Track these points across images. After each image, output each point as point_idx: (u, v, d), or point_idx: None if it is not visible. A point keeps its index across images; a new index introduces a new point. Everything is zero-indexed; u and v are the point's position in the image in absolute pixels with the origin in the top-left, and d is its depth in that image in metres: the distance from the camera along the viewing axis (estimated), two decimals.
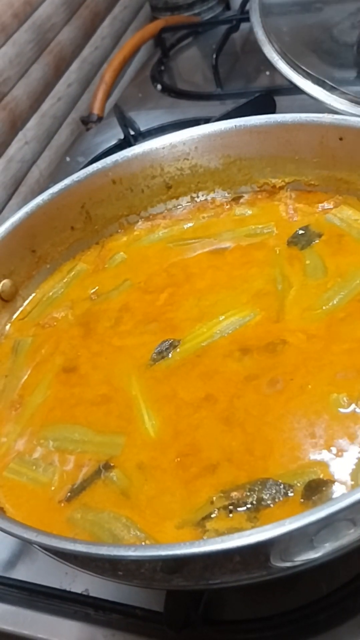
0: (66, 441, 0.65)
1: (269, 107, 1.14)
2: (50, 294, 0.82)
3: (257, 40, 1.10)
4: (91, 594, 0.69)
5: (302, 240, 0.77)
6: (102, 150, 1.23)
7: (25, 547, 0.74)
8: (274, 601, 0.64)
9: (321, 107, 1.02)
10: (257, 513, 0.55)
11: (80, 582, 0.70)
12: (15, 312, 0.81)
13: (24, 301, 0.82)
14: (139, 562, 0.50)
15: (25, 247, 0.81)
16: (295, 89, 1.06)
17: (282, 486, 0.55)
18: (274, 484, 0.56)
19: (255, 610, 0.64)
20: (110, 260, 0.84)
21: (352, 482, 0.55)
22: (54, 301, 0.81)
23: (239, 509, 0.55)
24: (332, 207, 0.80)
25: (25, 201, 1.07)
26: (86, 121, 1.40)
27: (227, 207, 0.86)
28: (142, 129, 1.23)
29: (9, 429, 0.69)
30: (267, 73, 1.32)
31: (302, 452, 0.58)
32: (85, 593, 0.70)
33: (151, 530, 0.56)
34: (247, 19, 1.19)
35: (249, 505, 0.55)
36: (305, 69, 1.06)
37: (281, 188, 0.84)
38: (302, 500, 0.55)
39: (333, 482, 0.55)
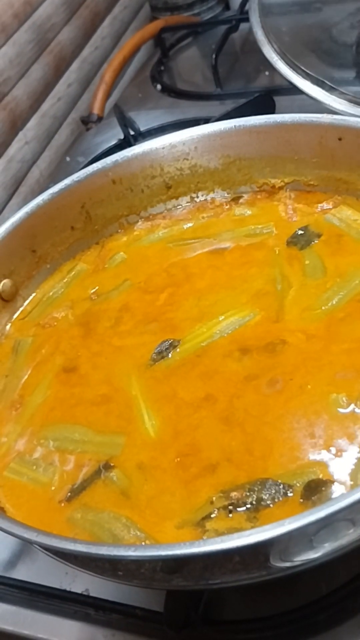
0: (66, 441, 0.65)
1: (269, 107, 1.14)
2: (51, 293, 0.82)
3: (257, 40, 1.10)
4: (91, 594, 0.70)
5: (301, 240, 0.77)
6: (102, 150, 1.23)
7: (25, 547, 0.74)
8: (273, 601, 0.64)
9: (320, 108, 1.02)
10: (256, 513, 0.55)
11: (80, 582, 0.70)
12: (15, 312, 0.81)
13: (24, 301, 0.82)
14: (139, 562, 0.50)
15: (25, 247, 0.81)
16: (294, 89, 1.06)
17: (281, 486, 0.55)
18: (274, 484, 0.56)
19: (255, 610, 0.64)
20: (110, 260, 0.84)
21: (352, 482, 0.55)
22: (54, 301, 0.81)
23: (238, 509, 0.55)
24: (331, 207, 0.80)
25: (26, 201, 1.07)
26: (86, 121, 1.40)
27: (227, 207, 0.86)
28: (142, 129, 1.23)
29: (9, 428, 0.69)
30: (267, 73, 1.31)
31: (302, 452, 0.58)
32: (85, 593, 0.70)
33: (151, 530, 0.56)
34: (247, 19, 1.19)
35: (248, 505, 0.55)
36: (305, 69, 1.06)
37: (280, 188, 0.84)
38: (301, 500, 0.55)
39: (332, 482, 0.55)
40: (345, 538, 0.50)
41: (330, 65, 1.11)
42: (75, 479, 0.62)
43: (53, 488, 0.62)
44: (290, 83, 1.06)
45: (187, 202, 0.88)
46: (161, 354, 0.69)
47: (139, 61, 1.58)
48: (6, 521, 0.53)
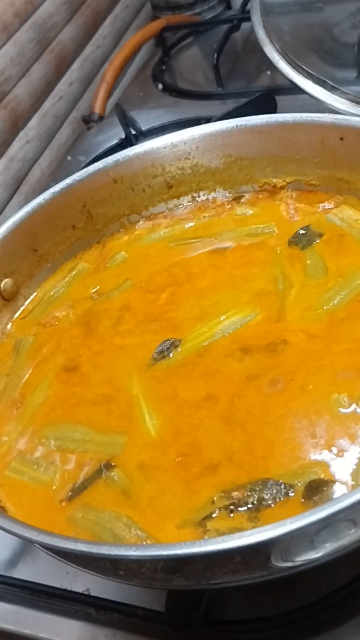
0: (67, 440, 0.65)
1: (270, 107, 1.14)
2: (52, 293, 0.82)
3: (258, 39, 1.10)
4: (92, 594, 0.70)
5: (302, 240, 0.77)
6: (103, 150, 1.23)
7: (26, 546, 0.74)
8: (274, 601, 0.64)
9: (322, 107, 1.02)
10: (258, 513, 0.55)
11: (81, 582, 0.70)
12: (16, 311, 0.81)
13: (25, 300, 0.82)
14: (140, 562, 0.50)
15: (26, 246, 0.81)
16: (296, 89, 1.06)
17: (282, 486, 0.55)
18: (275, 484, 0.56)
19: (256, 610, 0.64)
20: (112, 259, 0.84)
21: (353, 482, 0.55)
22: (55, 300, 0.81)
23: (239, 508, 0.55)
24: (332, 207, 0.80)
25: (27, 200, 1.07)
26: (87, 120, 1.40)
27: (228, 206, 0.86)
28: (144, 128, 1.23)
29: (10, 428, 0.69)
30: (268, 73, 1.32)
31: (303, 452, 0.58)
32: (86, 592, 0.70)
33: (152, 530, 0.56)
34: (248, 19, 1.19)
35: (249, 505, 0.55)
36: (306, 69, 1.06)
37: (282, 188, 0.84)
38: (303, 500, 0.55)
39: (334, 482, 0.55)
40: (346, 538, 0.50)
41: (332, 65, 1.11)
42: (76, 479, 0.62)
43: (54, 487, 0.62)
44: (292, 82, 1.06)
45: (189, 202, 0.88)
46: (162, 354, 0.69)
47: (141, 60, 1.58)
48: (7, 520, 0.53)
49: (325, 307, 0.69)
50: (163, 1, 1.63)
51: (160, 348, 0.70)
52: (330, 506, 0.45)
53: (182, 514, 0.56)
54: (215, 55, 1.34)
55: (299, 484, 0.55)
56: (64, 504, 0.61)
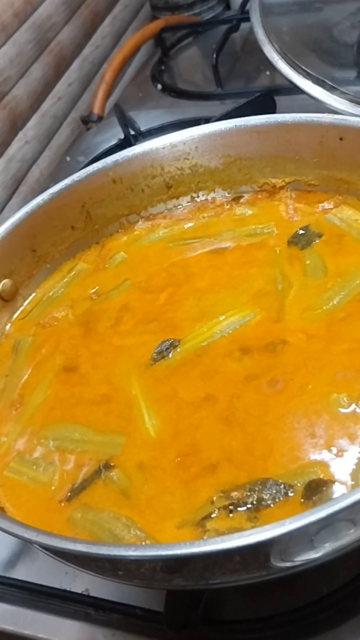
0: (66, 441, 0.65)
1: (269, 107, 1.14)
2: (51, 293, 0.82)
3: (257, 40, 1.10)
4: (91, 594, 0.70)
5: (302, 240, 0.77)
6: (102, 150, 1.23)
7: (25, 546, 0.74)
8: (274, 601, 0.64)
9: (321, 107, 1.02)
10: (257, 513, 0.55)
11: (80, 582, 0.70)
12: (15, 312, 0.81)
13: (24, 301, 0.82)
14: (139, 562, 0.50)
15: (25, 246, 0.81)
16: (295, 89, 1.06)
17: (282, 486, 0.55)
18: (274, 484, 0.56)
19: (255, 611, 0.64)
20: (111, 259, 0.84)
21: (352, 482, 0.55)
22: (54, 301, 0.81)
23: (239, 508, 0.55)
24: (332, 207, 0.80)
25: (26, 201, 1.07)
26: (86, 121, 1.40)
27: (228, 206, 0.86)
28: (143, 128, 1.24)
29: (9, 428, 0.69)
30: (267, 73, 1.32)
31: (302, 452, 0.58)
32: (85, 593, 0.70)
33: (151, 530, 0.56)
34: (247, 19, 1.19)
35: (249, 505, 0.55)
36: (306, 69, 1.06)
37: (281, 188, 0.84)
38: (302, 500, 0.55)
39: (333, 482, 0.55)
40: (345, 538, 0.50)
41: (331, 65, 1.11)
42: (76, 479, 0.62)
43: (53, 488, 0.62)
44: (291, 83, 1.06)
45: (188, 202, 0.88)
46: (161, 354, 0.69)
47: (140, 61, 1.58)
48: (6, 521, 0.53)
49: (324, 307, 0.69)
50: (162, 1, 1.63)
51: (159, 348, 0.70)
52: (330, 506, 0.45)
53: (182, 514, 0.56)
54: (215, 56, 1.34)
55: (299, 484, 0.55)
56: (63, 504, 0.61)
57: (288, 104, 1.13)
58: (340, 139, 0.77)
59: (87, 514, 0.59)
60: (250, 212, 0.84)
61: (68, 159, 1.30)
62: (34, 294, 0.83)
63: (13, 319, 0.80)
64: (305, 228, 0.78)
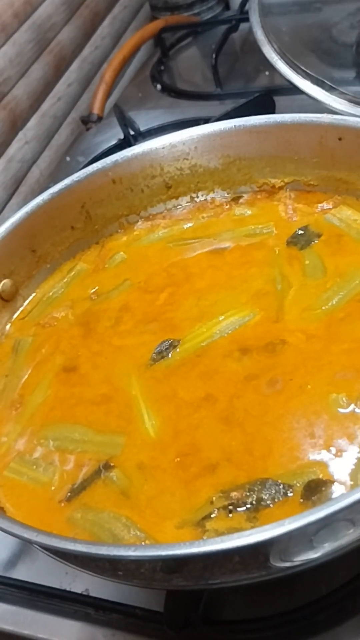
0: (66, 441, 0.65)
1: (269, 107, 1.14)
2: (51, 293, 0.82)
3: (257, 40, 1.10)
4: (91, 594, 0.70)
5: (301, 240, 0.77)
6: (102, 150, 1.23)
7: (25, 546, 0.74)
8: (273, 601, 0.64)
9: (320, 107, 1.02)
10: (256, 513, 0.55)
11: (80, 582, 0.70)
12: (15, 312, 0.81)
13: (24, 301, 0.82)
14: (138, 562, 0.50)
15: (25, 246, 0.81)
16: (294, 89, 1.06)
17: (281, 486, 0.55)
18: (274, 484, 0.56)
19: (255, 611, 0.64)
20: (110, 260, 0.84)
21: (352, 482, 0.55)
22: (54, 301, 0.81)
23: (238, 509, 0.55)
24: (331, 207, 0.80)
25: (26, 201, 1.07)
26: (86, 121, 1.40)
27: (227, 207, 0.86)
28: (142, 128, 1.23)
29: (9, 428, 0.69)
30: (267, 73, 1.32)
31: (302, 452, 0.58)
32: (85, 593, 0.70)
33: (151, 530, 0.56)
34: (247, 19, 1.19)
35: (248, 505, 0.55)
36: (305, 69, 1.06)
37: (280, 188, 0.84)
38: (301, 500, 0.55)
39: (332, 482, 0.55)
40: (345, 538, 0.50)
41: (330, 65, 1.11)
42: (75, 479, 0.62)
43: (53, 488, 0.62)
44: (290, 83, 1.06)
45: (187, 202, 0.88)
46: (161, 354, 0.69)
47: (139, 61, 1.58)
48: (6, 521, 0.53)
49: (323, 307, 0.69)
50: (162, 2, 1.63)
51: (159, 348, 0.70)
52: (329, 506, 0.45)
53: (181, 514, 0.57)
54: (214, 56, 1.34)
55: (298, 484, 0.56)
56: (63, 504, 0.61)
57: (287, 104, 1.13)
58: (340, 139, 0.77)
59: (87, 514, 0.59)
60: (249, 212, 0.84)
61: (68, 159, 1.30)
62: (34, 294, 0.83)
63: (13, 319, 0.81)
64: (305, 228, 0.78)
